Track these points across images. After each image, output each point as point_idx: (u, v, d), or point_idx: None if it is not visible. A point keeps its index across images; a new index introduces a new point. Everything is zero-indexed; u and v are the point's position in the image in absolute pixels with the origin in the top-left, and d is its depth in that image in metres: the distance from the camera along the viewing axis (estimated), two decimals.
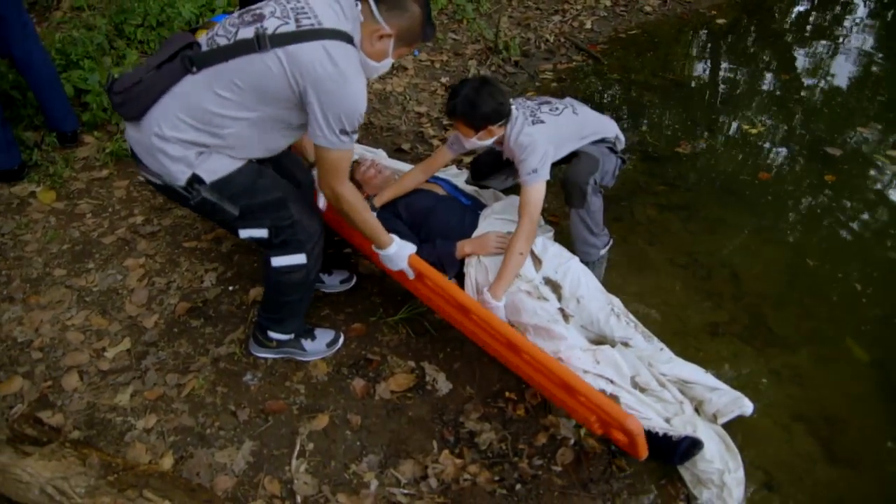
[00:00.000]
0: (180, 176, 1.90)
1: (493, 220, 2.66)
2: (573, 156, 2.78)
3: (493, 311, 2.32)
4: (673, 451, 2.02)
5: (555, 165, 2.71)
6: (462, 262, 2.56)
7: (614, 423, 1.92)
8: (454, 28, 5.41)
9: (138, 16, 4.24)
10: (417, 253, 2.36)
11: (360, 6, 1.90)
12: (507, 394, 2.41)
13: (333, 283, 2.83)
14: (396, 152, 3.80)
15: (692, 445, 2.02)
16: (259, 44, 1.76)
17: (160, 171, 1.91)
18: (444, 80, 4.74)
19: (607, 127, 2.86)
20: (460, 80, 2.56)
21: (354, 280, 2.85)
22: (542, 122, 2.59)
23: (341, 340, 2.54)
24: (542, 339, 2.29)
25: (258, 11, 1.85)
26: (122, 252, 2.97)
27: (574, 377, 1.98)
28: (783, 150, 4.22)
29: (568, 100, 2.84)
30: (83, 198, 3.29)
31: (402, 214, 2.70)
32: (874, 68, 5.52)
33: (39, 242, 2.99)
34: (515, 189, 3.17)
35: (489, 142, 2.59)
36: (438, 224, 2.62)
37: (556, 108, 2.72)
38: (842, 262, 3.23)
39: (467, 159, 3.74)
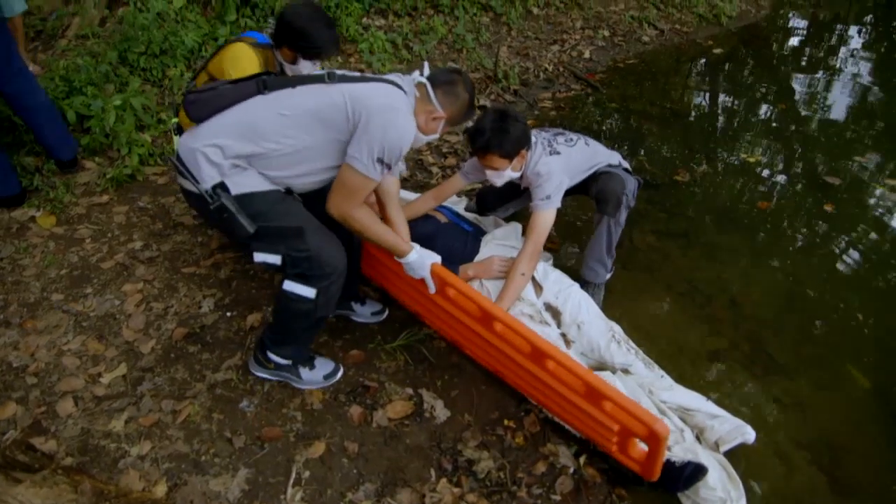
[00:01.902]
0: (209, 180, 1.97)
1: (495, 246, 2.67)
2: (591, 180, 2.85)
3: None
4: (676, 478, 2.00)
5: (568, 193, 2.75)
6: None
7: (641, 429, 1.90)
8: (454, 58, 5.48)
9: (142, 44, 4.29)
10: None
11: (416, 88, 2.12)
12: (505, 421, 2.38)
13: (364, 313, 2.80)
14: None
15: (696, 471, 1.99)
16: (328, 77, 2.01)
17: (193, 171, 1.99)
18: None
19: (613, 156, 2.96)
20: (475, 121, 2.61)
21: (386, 313, 2.82)
22: (557, 152, 2.71)
23: (340, 374, 2.50)
24: None
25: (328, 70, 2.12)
26: (120, 277, 2.96)
27: (602, 382, 1.96)
28: (782, 179, 4.25)
29: (579, 133, 2.93)
30: (83, 223, 3.29)
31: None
32: (870, 98, 5.58)
33: (38, 267, 2.98)
34: (516, 216, 3.21)
35: (519, 173, 2.66)
36: (441, 249, 2.62)
37: (571, 140, 2.82)
38: (841, 290, 3.23)
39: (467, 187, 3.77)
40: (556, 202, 2.61)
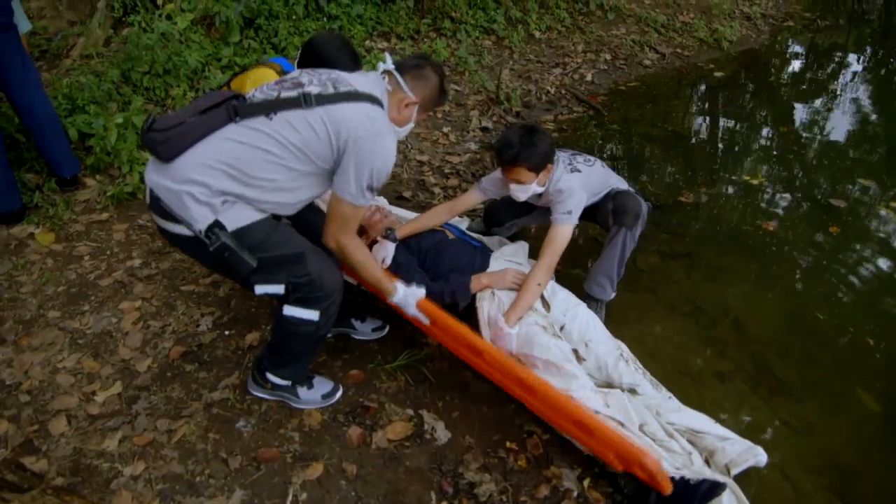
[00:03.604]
0: (202, 220, 1.87)
1: (504, 262, 2.68)
2: (603, 201, 2.88)
3: (505, 337, 2.35)
4: (692, 494, 1.95)
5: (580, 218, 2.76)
6: (474, 296, 2.54)
7: (632, 460, 1.90)
8: (456, 80, 5.50)
9: (145, 63, 4.31)
10: (429, 287, 2.41)
11: (386, 79, 2.09)
12: (507, 443, 2.33)
13: (365, 330, 2.77)
14: (398, 200, 3.81)
15: (714, 487, 1.95)
16: (304, 101, 1.87)
17: (182, 214, 1.87)
18: (445, 129, 4.79)
19: (623, 183, 3.00)
20: (501, 135, 2.66)
21: (387, 329, 2.79)
22: (578, 170, 2.74)
23: (339, 394, 2.46)
24: (551, 376, 2.24)
25: (297, 80, 1.97)
26: (118, 295, 2.93)
27: (587, 416, 1.97)
28: (786, 201, 4.23)
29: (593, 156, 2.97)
30: (82, 240, 3.27)
31: (415, 251, 2.71)
32: (870, 122, 5.60)
33: (35, 284, 2.95)
34: (520, 236, 3.19)
35: (543, 188, 2.70)
36: (449, 261, 2.64)
37: (589, 160, 2.86)
38: (848, 312, 3.19)
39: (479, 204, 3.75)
40: (576, 219, 2.64)
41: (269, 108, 1.89)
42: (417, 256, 2.69)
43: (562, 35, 6.47)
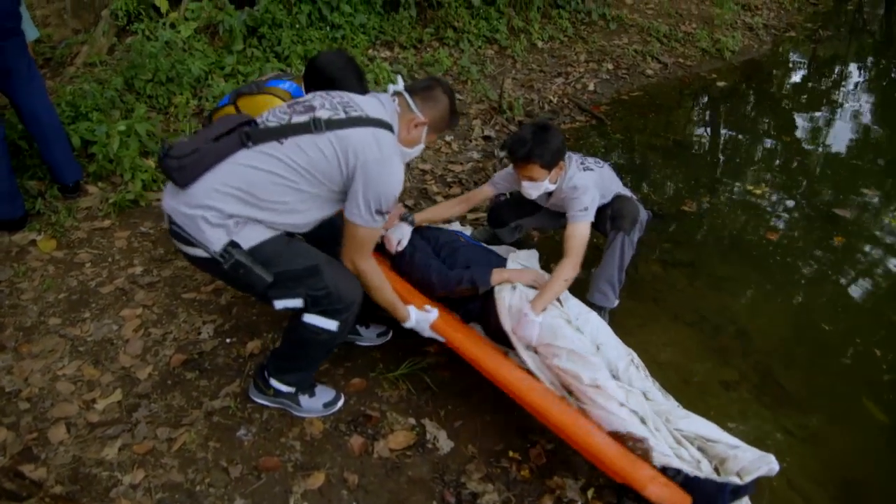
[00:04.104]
0: (217, 242, 1.90)
1: (520, 264, 2.69)
2: (603, 207, 2.87)
3: (529, 325, 2.34)
4: (721, 490, 1.95)
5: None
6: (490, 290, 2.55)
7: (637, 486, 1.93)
8: (459, 89, 5.51)
9: (149, 71, 4.32)
10: (448, 274, 2.48)
11: (396, 100, 2.11)
12: (510, 453, 2.31)
13: (371, 336, 2.76)
14: None
15: (738, 489, 1.96)
16: (314, 126, 1.90)
17: (198, 238, 1.91)
18: (447, 138, 4.78)
19: (626, 190, 3.01)
20: (514, 133, 2.65)
21: (391, 335, 2.78)
22: (590, 169, 2.78)
23: (341, 402, 2.44)
24: (576, 365, 2.22)
25: (308, 103, 2.00)
26: (119, 302, 2.91)
27: (595, 439, 2.03)
28: (789, 211, 4.22)
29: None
30: (83, 247, 3.26)
31: (431, 242, 2.73)
32: (873, 133, 5.59)
33: (36, 291, 2.94)
34: (524, 244, 3.18)
35: (555, 185, 2.73)
36: (466, 258, 2.65)
37: (599, 162, 2.89)
38: (853, 322, 3.18)
39: (470, 216, 3.75)
40: (592, 216, 2.65)
41: (281, 133, 1.93)
42: (433, 249, 2.70)
43: (564, 45, 6.48)
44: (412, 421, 2.41)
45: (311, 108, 1.97)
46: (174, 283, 3.05)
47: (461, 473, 2.22)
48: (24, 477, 1.96)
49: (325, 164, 1.92)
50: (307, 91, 2.63)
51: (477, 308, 2.56)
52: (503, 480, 2.20)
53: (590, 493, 2.15)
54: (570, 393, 2.24)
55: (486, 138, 4.85)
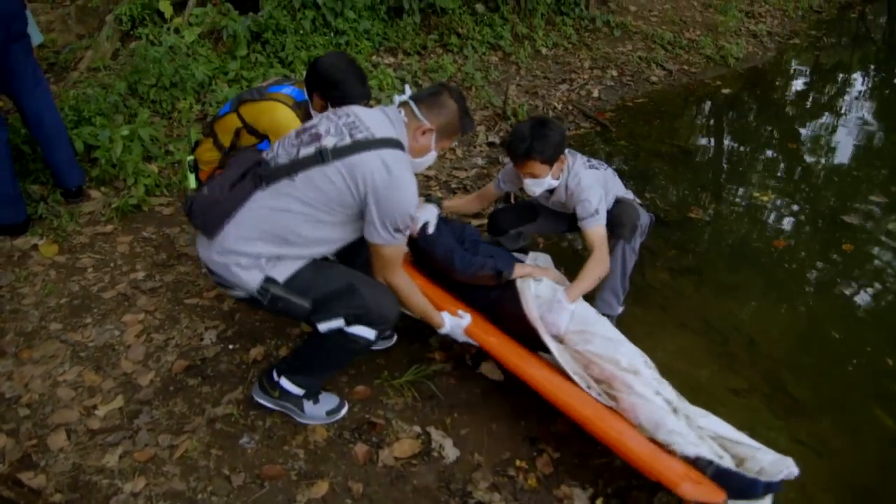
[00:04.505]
0: (253, 282, 1.98)
1: (539, 265, 2.72)
2: (615, 204, 2.87)
3: (562, 311, 2.41)
4: (753, 485, 1.94)
5: (572, 230, 2.76)
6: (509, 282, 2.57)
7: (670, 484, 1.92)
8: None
9: (152, 76, 4.30)
10: (472, 260, 2.49)
11: (402, 110, 2.10)
12: (517, 462, 2.27)
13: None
14: None
15: (770, 485, 1.95)
16: (321, 157, 1.92)
17: (234, 282, 2.00)
18: (452, 145, 4.75)
19: (629, 194, 3.00)
20: (511, 131, 2.66)
21: (395, 338, 2.76)
22: (596, 168, 2.77)
23: (345, 410, 2.40)
24: (613, 350, 2.28)
25: (315, 131, 2.01)
26: (121, 307, 2.88)
27: (631, 441, 2.02)
28: (796, 218, 4.20)
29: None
30: (85, 252, 3.23)
31: (455, 233, 2.72)
32: (880, 137, 5.58)
33: (37, 296, 2.91)
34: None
35: (557, 181, 2.71)
36: (490, 252, 2.65)
37: (602, 164, 2.88)
38: (863, 330, 3.15)
39: (475, 221, 3.72)
40: (604, 217, 2.65)
41: (291, 169, 1.96)
42: (456, 238, 2.69)
43: (568, 51, 6.47)
44: (417, 429, 2.37)
45: (318, 137, 1.98)
46: (176, 289, 3.02)
47: (467, 482, 2.18)
48: (22, 485, 1.92)
49: (338, 194, 1.94)
50: (309, 95, 2.62)
51: (492, 297, 2.54)
52: (510, 490, 2.16)
53: (598, 503, 2.11)
54: (599, 382, 2.23)
55: (491, 144, 4.83)
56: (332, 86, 2.52)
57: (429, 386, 2.55)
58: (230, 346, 2.70)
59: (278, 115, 2.58)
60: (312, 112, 2.65)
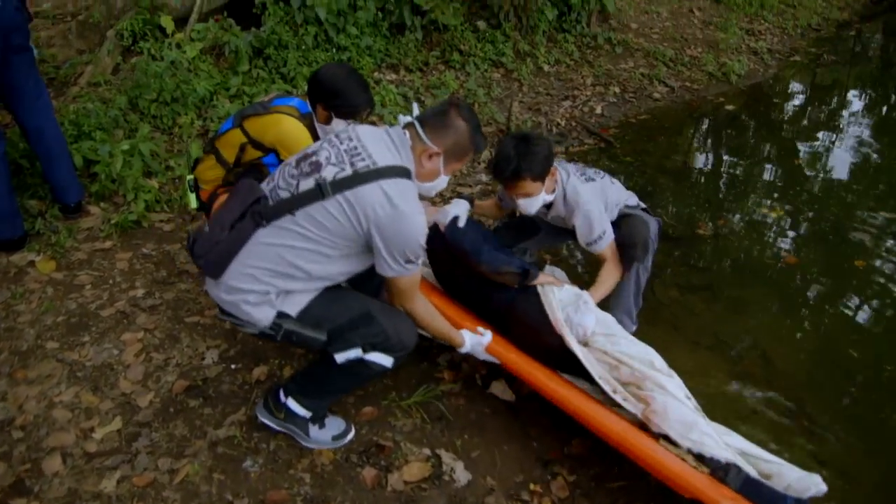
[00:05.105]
0: (264, 319, 1.92)
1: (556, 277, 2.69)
2: (620, 219, 2.81)
3: (588, 312, 2.37)
4: (783, 499, 1.90)
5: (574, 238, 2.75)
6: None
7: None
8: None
9: (153, 91, 4.26)
10: (497, 257, 2.43)
11: (407, 133, 1.99)
12: (531, 486, 2.19)
13: None
14: None
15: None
16: (322, 192, 1.83)
17: (246, 320, 1.94)
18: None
19: (632, 197, 2.93)
20: (495, 151, 2.56)
21: None
22: (592, 179, 2.69)
23: (351, 435, 2.31)
24: (645, 351, 2.26)
25: (315, 160, 1.92)
26: (120, 325, 2.80)
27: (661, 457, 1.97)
28: (806, 234, 4.15)
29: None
30: (83, 269, 3.15)
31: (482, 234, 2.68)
32: (887, 153, 5.56)
33: (34, 313, 2.83)
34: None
35: (552, 195, 2.66)
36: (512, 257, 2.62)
37: (599, 172, 2.81)
38: (881, 348, 3.08)
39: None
40: (611, 233, 2.63)
41: (291, 205, 1.88)
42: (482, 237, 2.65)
43: (570, 68, 6.45)
44: (427, 451, 2.29)
45: (318, 166, 1.89)
46: (177, 307, 2.94)
47: None
48: None
49: (340, 228, 1.86)
50: (312, 105, 2.59)
51: (508, 299, 2.47)
52: None
53: None
54: (626, 384, 2.18)
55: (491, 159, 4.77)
56: (335, 95, 2.50)
57: (438, 406, 2.47)
58: (232, 366, 2.62)
59: (285, 126, 2.55)
60: (316, 124, 2.62)
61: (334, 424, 2.30)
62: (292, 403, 2.19)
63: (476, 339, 2.31)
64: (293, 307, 1.95)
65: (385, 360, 2.05)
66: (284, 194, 1.90)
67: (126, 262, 3.24)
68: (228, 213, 1.94)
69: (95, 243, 3.34)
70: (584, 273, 3.53)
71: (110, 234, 3.40)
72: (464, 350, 2.30)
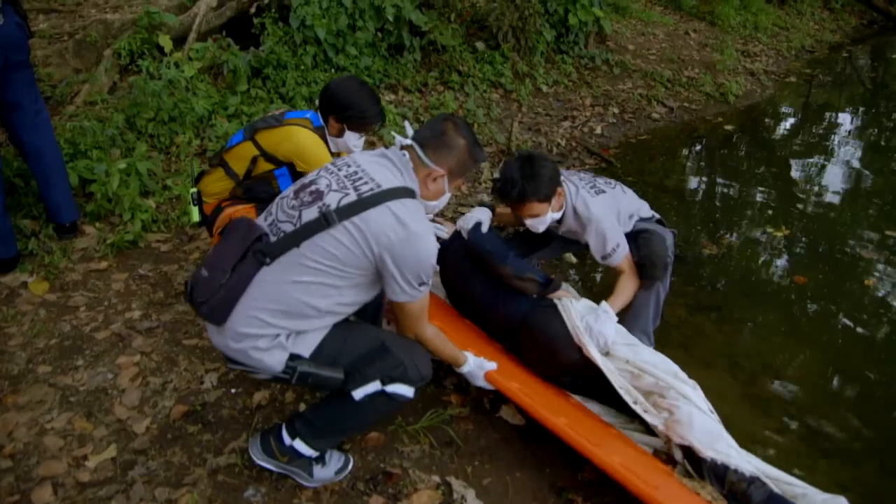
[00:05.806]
0: (277, 363, 1.84)
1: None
2: (637, 235, 2.76)
3: (609, 320, 2.33)
4: None
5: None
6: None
7: None
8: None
9: (151, 110, 4.20)
10: (518, 263, 2.39)
11: (406, 154, 1.94)
12: None
13: None
14: None
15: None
16: (327, 220, 1.78)
17: (258, 367, 1.86)
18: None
19: (644, 206, 2.91)
20: (500, 173, 2.56)
21: None
22: (603, 191, 2.66)
23: (350, 466, 2.20)
24: (667, 363, 2.23)
25: (315, 188, 1.87)
26: (115, 348, 2.71)
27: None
28: (815, 253, 4.11)
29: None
30: (78, 290, 3.06)
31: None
32: (888, 171, 5.55)
33: (25, 336, 2.73)
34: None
35: (560, 213, 2.63)
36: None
37: (609, 182, 2.78)
38: (894, 368, 3.00)
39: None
40: (625, 245, 2.60)
41: (295, 239, 1.81)
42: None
43: (569, 89, 6.45)
44: (437, 479, 2.20)
45: (319, 195, 1.84)
46: (174, 329, 2.85)
47: None
48: None
49: (350, 256, 1.80)
50: (324, 118, 2.56)
51: (522, 310, 2.41)
52: None
53: None
54: (648, 395, 2.13)
55: (495, 181, 4.72)
56: (347, 107, 2.49)
57: (446, 431, 2.38)
58: (232, 391, 2.52)
59: (301, 138, 2.53)
60: (328, 137, 2.60)
61: (335, 459, 2.18)
62: (299, 444, 2.05)
63: (479, 362, 2.23)
64: (306, 347, 1.88)
65: (407, 390, 1.97)
66: (287, 227, 1.84)
67: (122, 283, 3.15)
68: (228, 255, 1.85)
69: (90, 264, 3.25)
70: (589, 287, 3.46)
71: (106, 254, 3.32)
72: (463, 370, 2.22)
